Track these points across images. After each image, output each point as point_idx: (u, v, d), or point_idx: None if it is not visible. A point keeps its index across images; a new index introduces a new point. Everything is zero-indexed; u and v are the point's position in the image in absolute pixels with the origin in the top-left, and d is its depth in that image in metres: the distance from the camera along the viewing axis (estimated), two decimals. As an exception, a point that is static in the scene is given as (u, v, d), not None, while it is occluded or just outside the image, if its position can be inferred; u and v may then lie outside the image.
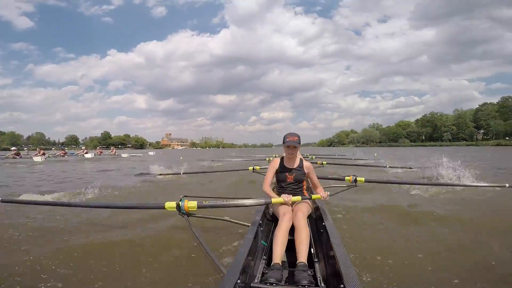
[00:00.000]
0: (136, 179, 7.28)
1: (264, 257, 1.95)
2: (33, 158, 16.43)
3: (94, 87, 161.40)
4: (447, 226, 3.07)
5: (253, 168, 5.69)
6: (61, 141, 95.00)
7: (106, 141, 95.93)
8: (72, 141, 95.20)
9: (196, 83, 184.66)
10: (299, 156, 2.64)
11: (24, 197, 4.66)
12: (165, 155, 27.36)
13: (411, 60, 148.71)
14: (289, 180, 2.51)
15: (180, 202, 2.29)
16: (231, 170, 7.37)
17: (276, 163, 2.59)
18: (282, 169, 2.55)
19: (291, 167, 2.54)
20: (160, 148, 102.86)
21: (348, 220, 3.39)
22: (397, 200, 4.46)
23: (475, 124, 75.37)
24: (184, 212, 2.28)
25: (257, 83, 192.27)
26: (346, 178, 3.68)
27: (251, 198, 2.41)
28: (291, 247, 1.91)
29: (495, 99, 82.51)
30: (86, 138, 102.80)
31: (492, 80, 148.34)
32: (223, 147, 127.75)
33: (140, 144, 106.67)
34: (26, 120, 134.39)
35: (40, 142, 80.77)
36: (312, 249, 1.98)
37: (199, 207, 2.28)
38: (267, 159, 9.31)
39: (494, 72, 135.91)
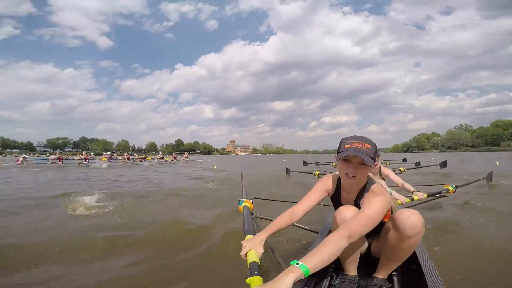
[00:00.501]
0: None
1: (333, 266, 1.73)
2: (120, 161, 19.90)
3: (169, 99, 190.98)
4: None
5: (315, 173, 5.65)
6: (143, 147, 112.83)
7: (179, 148, 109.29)
8: (152, 148, 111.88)
9: (253, 92, 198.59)
10: (373, 179, 1.44)
11: None
12: (227, 163, 28.96)
13: (494, 52, 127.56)
14: None
15: (240, 201, 2.35)
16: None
17: (322, 188, 1.54)
18: (336, 203, 1.56)
19: (345, 203, 1.49)
20: (225, 154, 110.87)
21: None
22: None
23: None
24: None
25: (314, 88, 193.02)
26: (444, 186, 3.07)
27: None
28: (367, 256, 1.67)
29: None
30: (163, 145, 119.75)
31: None
32: (283, 153, 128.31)
33: (207, 150, 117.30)
34: (118, 129, 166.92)
35: (125, 148, 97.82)
36: None
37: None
38: (334, 164, 8.74)
39: None
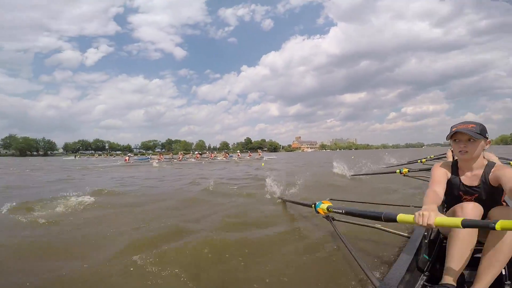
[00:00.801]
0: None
1: (426, 273, 1.65)
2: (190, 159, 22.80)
3: (238, 100, 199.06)
4: None
5: (400, 171, 4.91)
6: (217, 147, 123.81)
7: (247, 146, 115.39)
8: (224, 146, 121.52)
9: (319, 86, 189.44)
10: (485, 159, 1.61)
11: None
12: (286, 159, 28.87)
13: None
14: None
15: (317, 203, 2.29)
16: (379, 173, 7.03)
17: (441, 173, 1.65)
18: (453, 186, 1.65)
19: (469, 184, 1.60)
20: (291, 151, 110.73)
21: None
22: None
23: None
24: (318, 213, 2.27)
25: (390, 76, 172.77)
26: None
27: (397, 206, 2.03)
28: (473, 264, 1.45)
29: None
30: (234, 143, 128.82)
31: None
32: (355, 149, 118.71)
33: (273, 148, 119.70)
34: (198, 131, 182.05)
35: (202, 148, 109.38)
36: (504, 270, 1.43)
37: (328, 210, 2.15)
38: (419, 161, 7.70)
39: None
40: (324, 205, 2.23)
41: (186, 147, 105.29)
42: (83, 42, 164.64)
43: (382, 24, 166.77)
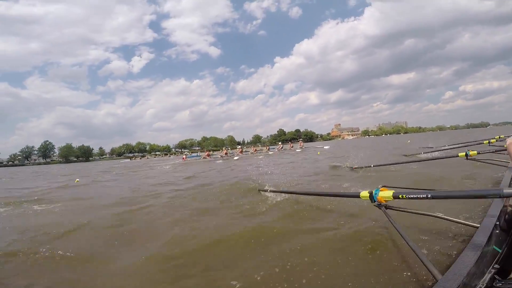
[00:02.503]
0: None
1: (496, 265, 1.58)
2: (234, 156, 23.51)
3: (275, 92, 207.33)
4: None
5: (466, 154, 4.47)
6: (249, 141, 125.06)
7: (280, 137, 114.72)
8: (257, 140, 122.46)
9: (361, 69, 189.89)
10: None
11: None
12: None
13: None
14: None
15: (374, 191, 2.21)
16: (431, 159, 6.62)
17: None
18: None
19: None
20: (330, 140, 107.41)
21: None
22: None
23: None
24: (376, 202, 2.19)
25: (441, 54, 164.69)
26: None
27: (473, 190, 1.92)
28: None
29: None
30: (268, 136, 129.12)
31: None
32: (405, 132, 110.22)
33: (309, 137, 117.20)
34: (239, 126, 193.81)
35: (231, 143, 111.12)
36: None
37: (394, 197, 2.07)
38: (486, 141, 6.95)
39: None
40: (384, 193, 2.15)
41: (216, 143, 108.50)
42: (127, 52, 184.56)
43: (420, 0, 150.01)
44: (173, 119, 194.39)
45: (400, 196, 2.02)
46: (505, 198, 1.79)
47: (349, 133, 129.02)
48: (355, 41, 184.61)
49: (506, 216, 1.95)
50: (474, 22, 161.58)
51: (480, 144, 7.48)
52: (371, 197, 2.23)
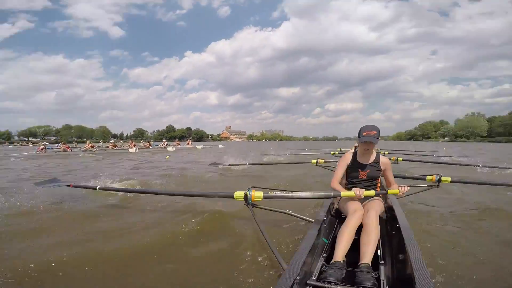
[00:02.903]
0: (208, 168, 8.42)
1: (324, 254, 1.98)
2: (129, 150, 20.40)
3: (175, 87, 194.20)
4: None
5: (317, 162, 5.72)
6: (129, 135, 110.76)
7: (168, 134, 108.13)
8: (139, 134, 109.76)
9: (260, 78, 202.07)
10: (374, 151, 2.52)
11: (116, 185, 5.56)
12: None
13: None
14: (362, 177, 2.45)
15: (248, 192, 2.43)
16: (294, 163, 7.80)
17: (347, 158, 2.52)
18: (355, 165, 2.48)
19: (365, 163, 2.45)
20: (219, 140, 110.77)
21: (422, 224, 3.21)
22: (488, 203, 4.11)
23: None
24: (250, 202, 2.45)
25: (323, 74, 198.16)
26: (428, 177, 3.35)
27: (318, 191, 2.45)
28: (354, 247, 1.89)
29: None
30: (154, 131, 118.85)
31: None
32: (280, 140, 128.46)
33: (199, 137, 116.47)
34: (122, 117, 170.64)
35: (104, 134, 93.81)
36: (379, 251, 1.94)
37: (265, 197, 2.38)
38: (332, 152, 9.14)
39: None
40: (254, 193, 2.39)
41: (81, 134, 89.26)
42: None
43: (329, 24, 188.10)
44: (30, 100, 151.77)
45: (268, 195, 2.39)
46: (339, 196, 2.28)
47: (237, 135, 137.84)
48: (264, 51, 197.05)
49: (332, 212, 2.60)
50: (355, 50, 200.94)
51: (327, 154, 9.75)
52: (246, 198, 2.45)
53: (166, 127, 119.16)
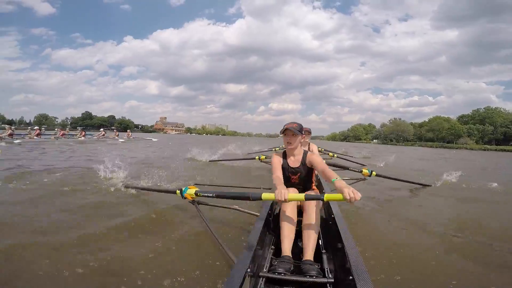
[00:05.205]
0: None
1: (273, 247, 2.15)
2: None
3: (109, 72, 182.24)
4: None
5: (259, 158, 6.16)
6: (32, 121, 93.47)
7: (84, 122, 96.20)
8: (41, 120, 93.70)
9: (208, 71, 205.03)
10: (303, 149, 2.48)
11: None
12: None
13: (429, 60, 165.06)
14: (294, 181, 2.46)
15: (183, 189, 2.51)
16: (239, 159, 8.36)
17: (277, 161, 2.46)
18: (285, 168, 2.45)
19: (294, 166, 2.44)
20: (152, 132, 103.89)
21: (355, 214, 3.75)
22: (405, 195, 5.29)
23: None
24: (185, 198, 2.53)
25: (269, 74, 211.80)
26: (364, 170, 4.19)
27: (252, 189, 2.62)
28: (300, 237, 2.05)
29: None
30: (67, 118, 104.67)
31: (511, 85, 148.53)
32: (223, 135, 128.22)
33: (123, 127, 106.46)
34: (40, 102, 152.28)
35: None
36: (320, 240, 2.16)
37: (196, 194, 2.45)
38: (274, 149, 9.74)
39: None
40: (191, 190, 2.46)
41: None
42: None
43: (279, 27, 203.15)
44: None
45: (199, 194, 2.43)
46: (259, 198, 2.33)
47: (173, 128, 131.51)
48: (215, 45, 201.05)
49: (279, 206, 2.69)
50: (299, 55, 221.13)
51: (270, 151, 10.36)
52: (181, 194, 2.55)
53: (82, 114, 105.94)
